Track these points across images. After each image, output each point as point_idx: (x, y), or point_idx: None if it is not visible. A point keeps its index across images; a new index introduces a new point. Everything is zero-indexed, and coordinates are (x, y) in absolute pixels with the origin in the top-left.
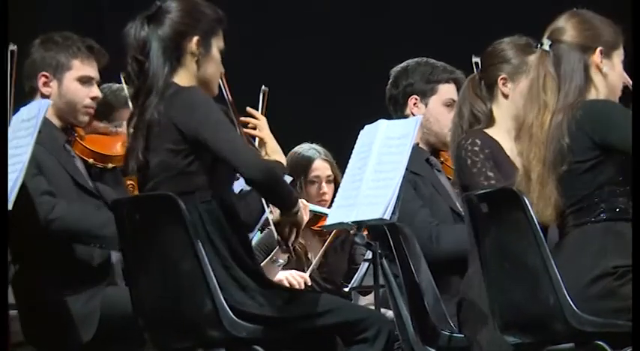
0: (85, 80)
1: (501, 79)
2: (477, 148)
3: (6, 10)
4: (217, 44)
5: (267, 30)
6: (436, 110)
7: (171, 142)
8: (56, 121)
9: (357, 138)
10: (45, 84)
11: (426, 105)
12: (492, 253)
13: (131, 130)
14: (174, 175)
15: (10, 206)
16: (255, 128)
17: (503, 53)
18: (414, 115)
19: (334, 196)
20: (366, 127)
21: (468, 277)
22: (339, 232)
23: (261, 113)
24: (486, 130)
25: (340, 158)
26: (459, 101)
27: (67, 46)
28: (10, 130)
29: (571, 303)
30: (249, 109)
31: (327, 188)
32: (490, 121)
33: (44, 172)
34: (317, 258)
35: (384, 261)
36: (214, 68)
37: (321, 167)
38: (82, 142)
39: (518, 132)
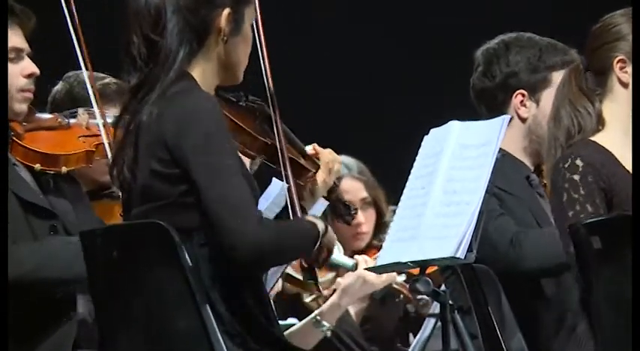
0: (11, 54)
1: (618, 61)
2: (576, 177)
3: (6, 10)
4: (249, 17)
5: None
6: (549, 109)
7: (158, 161)
8: None
9: (413, 146)
10: None
11: (537, 103)
12: (606, 304)
13: (120, 132)
14: (163, 205)
15: None
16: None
17: (619, 28)
18: (520, 118)
19: (377, 227)
20: (432, 131)
21: (577, 336)
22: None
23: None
24: (594, 138)
25: (386, 175)
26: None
27: None
28: None
29: None
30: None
31: (363, 217)
32: (598, 123)
33: None
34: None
35: (457, 316)
36: (245, 51)
37: (352, 188)
38: (21, 142)
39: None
